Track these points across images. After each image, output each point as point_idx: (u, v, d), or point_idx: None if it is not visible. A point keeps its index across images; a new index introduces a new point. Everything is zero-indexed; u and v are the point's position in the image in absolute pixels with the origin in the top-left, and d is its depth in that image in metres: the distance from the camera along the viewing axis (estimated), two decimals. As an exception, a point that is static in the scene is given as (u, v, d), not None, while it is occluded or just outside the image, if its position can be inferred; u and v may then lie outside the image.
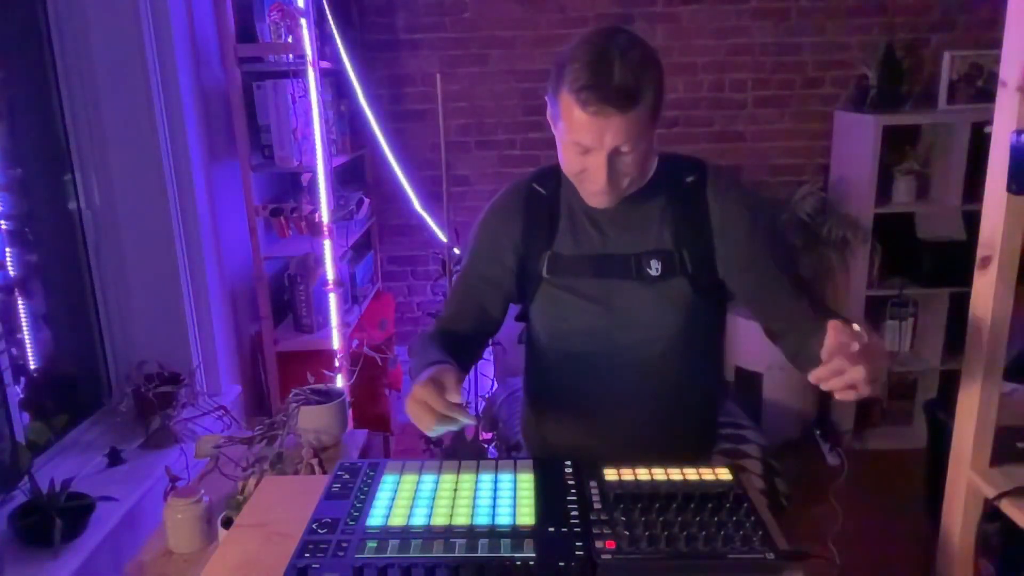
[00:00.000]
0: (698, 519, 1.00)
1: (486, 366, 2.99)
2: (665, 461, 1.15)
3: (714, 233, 1.24)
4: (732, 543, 0.96)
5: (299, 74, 2.39)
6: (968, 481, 1.30)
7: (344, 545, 0.98)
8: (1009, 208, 1.17)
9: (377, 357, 2.49)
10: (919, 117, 3.03)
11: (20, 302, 1.89)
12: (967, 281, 1.27)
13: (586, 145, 1.13)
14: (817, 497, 2.85)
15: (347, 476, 1.15)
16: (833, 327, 0.97)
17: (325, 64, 2.55)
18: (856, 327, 0.99)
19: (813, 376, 0.99)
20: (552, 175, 1.32)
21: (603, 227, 1.27)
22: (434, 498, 1.08)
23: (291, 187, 2.80)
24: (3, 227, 1.84)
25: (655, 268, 1.25)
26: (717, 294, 1.30)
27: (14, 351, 1.83)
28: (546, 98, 1.19)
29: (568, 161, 1.18)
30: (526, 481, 1.11)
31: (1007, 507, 1.23)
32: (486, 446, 2.44)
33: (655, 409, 1.33)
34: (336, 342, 2.50)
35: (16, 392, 1.79)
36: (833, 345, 0.96)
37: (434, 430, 1.06)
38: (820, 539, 1.07)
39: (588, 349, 1.31)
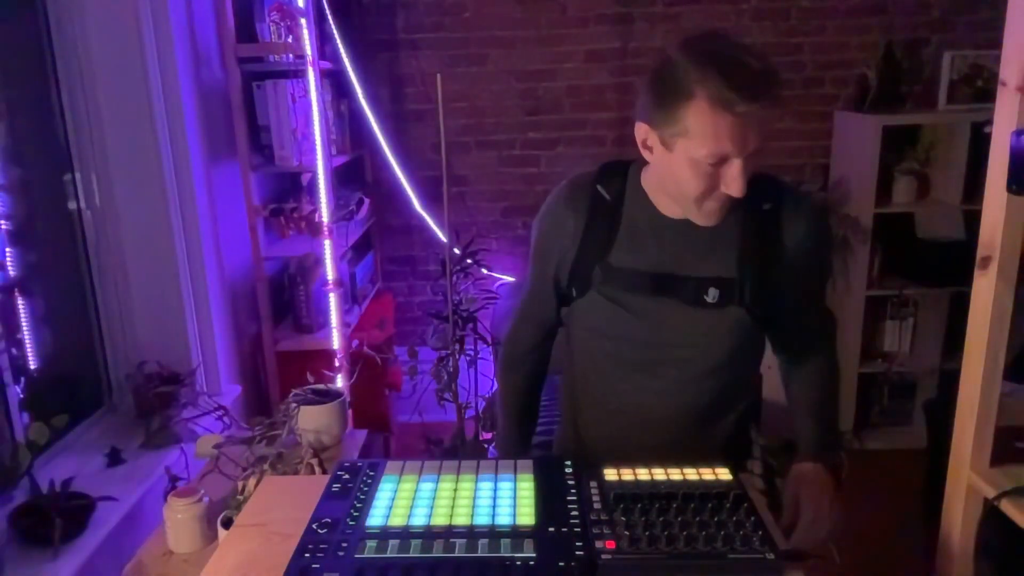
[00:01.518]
0: (698, 519, 1.00)
1: (486, 366, 2.99)
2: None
3: (781, 263, 1.22)
4: (732, 543, 0.96)
5: (299, 74, 2.39)
6: (968, 481, 1.30)
7: (344, 545, 0.98)
8: (1009, 208, 1.17)
9: (377, 357, 2.49)
10: (919, 117, 3.03)
11: (20, 302, 1.89)
12: (967, 281, 1.27)
13: (726, 154, 1.07)
14: (817, 497, 2.85)
15: (347, 476, 1.15)
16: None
17: (325, 64, 2.55)
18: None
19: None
20: (618, 178, 1.27)
21: (666, 244, 1.23)
22: (434, 498, 1.08)
23: (291, 187, 2.80)
24: (3, 227, 1.84)
25: (713, 296, 1.21)
26: (769, 320, 1.28)
27: (14, 351, 1.83)
28: (639, 125, 1.15)
29: (693, 182, 1.11)
30: (526, 481, 1.11)
31: (1007, 507, 1.23)
32: (486, 446, 2.44)
33: (693, 421, 1.32)
34: (336, 342, 2.50)
35: (16, 392, 1.79)
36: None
37: None
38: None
39: (631, 358, 1.29)
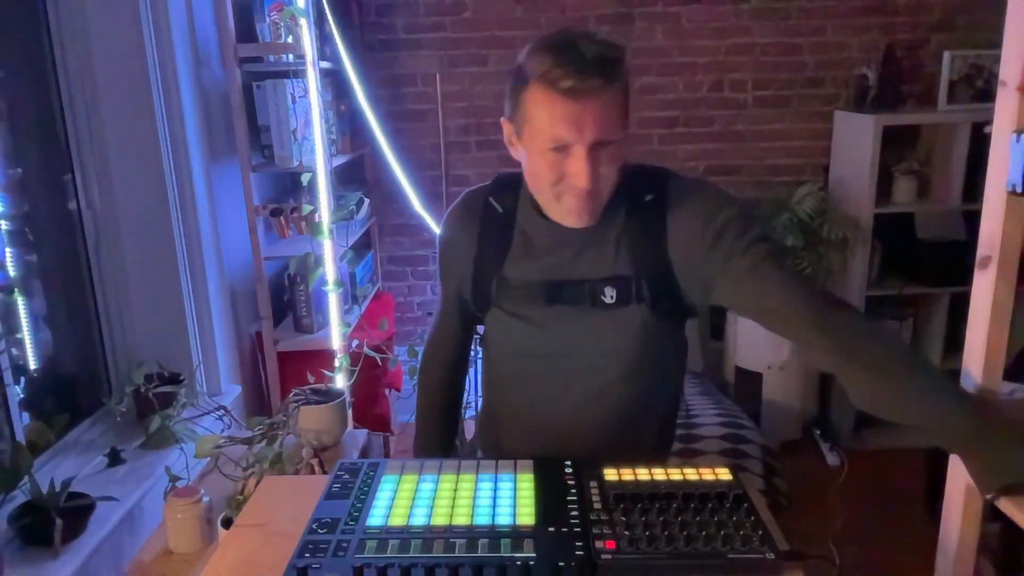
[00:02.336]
0: (698, 519, 1.00)
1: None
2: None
3: (673, 259, 1.16)
4: (732, 543, 0.96)
5: (299, 74, 2.39)
6: (968, 481, 1.30)
7: (344, 545, 0.97)
8: (1009, 208, 1.17)
9: (377, 357, 2.48)
10: (919, 117, 3.03)
11: (20, 302, 1.89)
12: (967, 281, 1.27)
13: (564, 139, 1.05)
14: (817, 497, 2.86)
15: (347, 476, 1.15)
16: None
17: (325, 64, 2.55)
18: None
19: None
20: (510, 190, 1.25)
21: (558, 250, 1.20)
22: (434, 498, 1.08)
23: (291, 187, 2.80)
24: (3, 227, 1.84)
25: (610, 296, 1.18)
26: (679, 316, 1.24)
27: (14, 351, 1.83)
28: (502, 121, 1.16)
29: (542, 173, 1.10)
30: (526, 481, 1.11)
31: (1007, 507, 1.23)
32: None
33: (613, 429, 1.26)
34: (336, 342, 2.50)
35: (16, 392, 1.79)
36: None
37: None
38: (820, 539, 1.07)
39: (538, 370, 1.25)
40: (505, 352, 1.30)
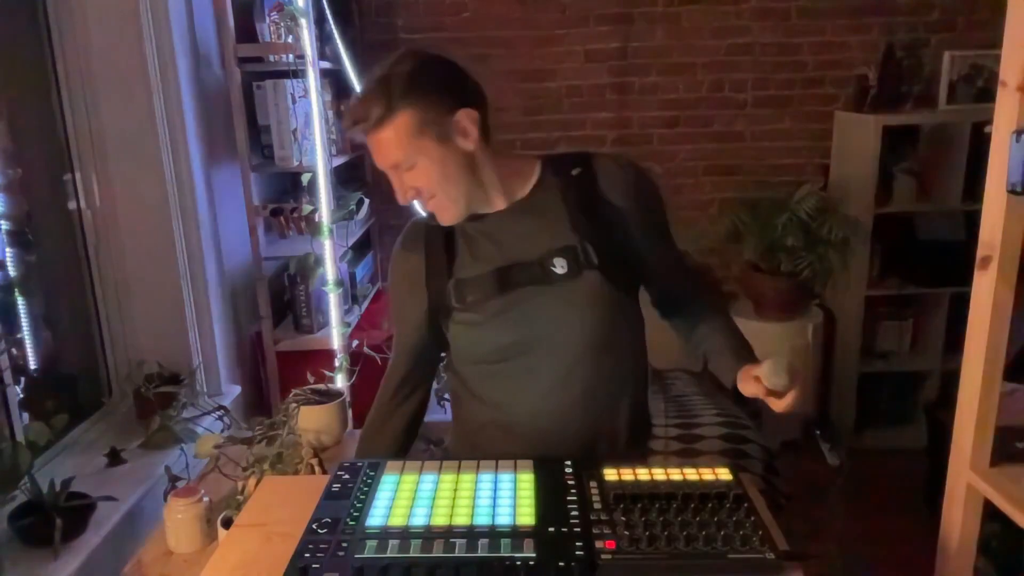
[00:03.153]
0: (698, 519, 1.01)
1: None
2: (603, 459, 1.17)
3: (613, 220, 1.24)
4: (732, 543, 0.96)
5: (299, 74, 2.39)
6: (968, 481, 1.30)
7: (344, 545, 0.98)
8: (1009, 208, 1.17)
9: (377, 357, 2.48)
10: (919, 117, 3.03)
11: (20, 302, 1.89)
12: (967, 281, 1.27)
13: (380, 166, 1.21)
14: (817, 497, 2.86)
15: (347, 476, 1.15)
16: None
17: (325, 64, 2.55)
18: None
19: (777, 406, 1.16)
20: None
21: (500, 239, 1.26)
22: (434, 498, 1.08)
23: (291, 187, 2.80)
24: (3, 227, 1.84)
25: (560, 266, 1.22)
26: (631, 282, 1.30)
27: (14, 351, 1.83)
28: None
29: (397, 195, 1.25)
30: (526, 481, 1.11)
31: (1007, 507, 1.23)
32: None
33: (581, 413, 1.27)
34: (336, 342, 2.50)
35: (16, 392, 1.79)
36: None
37: None
38: (820, 539, 1.07)
39: (504, 368, 1.28)
40: (469, 359, 1.32)
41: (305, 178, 2.35)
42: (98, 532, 1.65)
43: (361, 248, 3.12)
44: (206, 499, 1.50)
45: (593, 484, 1.10)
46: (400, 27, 3.17)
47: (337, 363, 2.45)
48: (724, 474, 1.12)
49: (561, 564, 0.92)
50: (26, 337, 1.91)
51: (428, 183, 1.20)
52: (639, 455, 1.42)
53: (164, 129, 2.10)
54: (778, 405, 1.16)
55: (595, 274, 1.22)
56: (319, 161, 2.40)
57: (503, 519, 1.02)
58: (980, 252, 1.23)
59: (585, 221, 1.23)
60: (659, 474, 1.12)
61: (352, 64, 2.73)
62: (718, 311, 1.39)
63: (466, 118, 1.19)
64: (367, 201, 3.01)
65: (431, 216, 1.30)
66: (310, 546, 0.98)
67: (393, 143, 1.17)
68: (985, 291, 1.23)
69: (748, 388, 1.19)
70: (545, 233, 1.24)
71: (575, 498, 1.06)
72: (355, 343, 2.54)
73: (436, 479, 1.13)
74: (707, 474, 1.12)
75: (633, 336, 1.33)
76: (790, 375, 1.12)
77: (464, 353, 1.32)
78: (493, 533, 0.99)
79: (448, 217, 1.25)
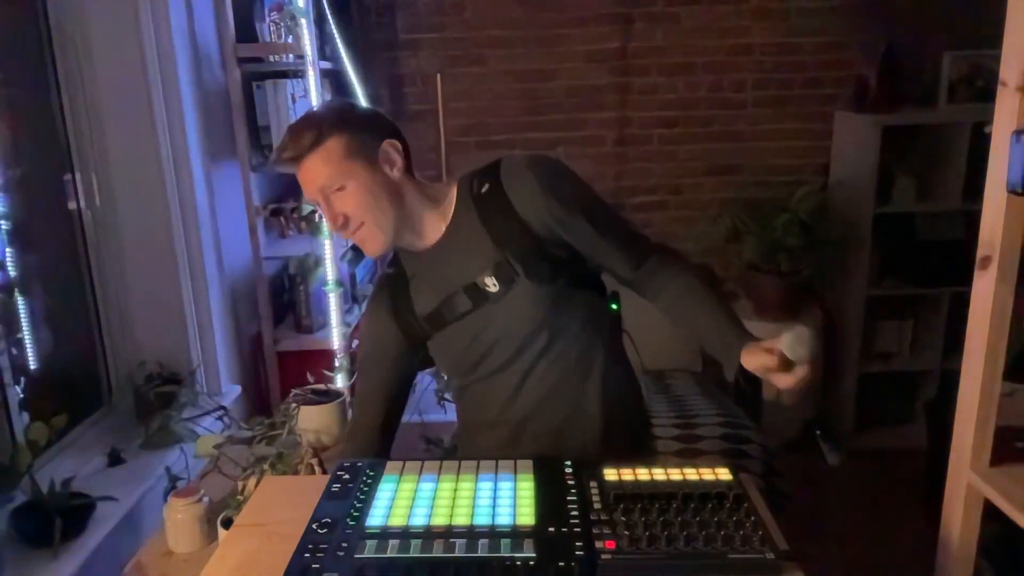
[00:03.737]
0: (698, 519, 1.01)
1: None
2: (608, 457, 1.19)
3: (528, 221, 1.27)
4: (732, 543, 0.96)
5: (299, 74, 2.39)
6: (968, 481, 1.30)
7: (344, 545, 0.98)
8: (1009, 208, 1.17)
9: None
10: (919, 117, 3.03)
11: (20, 302, 1.89)
12: (967, 281, 1.27)
13: (309, 196, 1.26)
14: (817, 497, 2.86)
15: (347, 476, 1.15)
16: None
17: (325, 64, 2.55)
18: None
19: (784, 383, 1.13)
20: (394, 253, 1.40)
21: (436, 272, 1.33)
22: (434, 498, 1.08)
23: (291, 187, 2.80)
24: (3, 227, 1.84)
25: (492, 284, 1.28)
26: (569, 271, 1.31)
27: (14, 351, 1.83)
28: None
29: (327, 224, 1.33)
30: (526, 481, 1.12)
31: (1007, 507, 1.23)
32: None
33: (555, 400, 1.34)
34: (336, 342, 2.50)
35: (16, 392, 1.79)
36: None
37: None
38: (820, 539, 1.07)
39: (478, 374, 1.37)
40: (452, 372, 1.45)
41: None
42: (98, 532, 1.65)
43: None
44: (206, 499, 1.50)
45: (593, 484, 1.10)
46: (400, 27, 3.17)
47: (337, 363, 2.45)
48: (724, 474, 1.12)
49: (561, 564, 0.93)
50: (26, 337, 1.91)
51: (356, 207, 1.25)
52: (639, 443, 1.47)
53: (164, 129, 2.10)
54: (784, 380, 1.13)
55: (524, 282, 1.28)
56: (319, 161, 2.39)
57: (503, 519, 1.02)
58: (980, 252, 1.23)
59: (505, 235, 1.28)
60: (659, 474, 1.12)
61: (352, 64, 2.73)
62: (684, 274, 1.33)
63: (391, 147, 1.28)
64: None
65: (390, 263, 1.40)
66: (310, 546, 0.98)
67: (321, 167, 1.22)
68: (985, 291, 1.23)
69: (756, 360, 1.15)
70: (473, 256, 1.29)
71: (575, 498, 1.07)
72: (355, 343, 2.54)
73: (436, 479, 1.13)
74: (707, 474, 1.12)
75: (585, 315, 1.35)
76: (811, 345, 1.10)
77: (442, 369, 1.45)
78: (493, 533, 0.99)
79: (374, 247, 1.29)
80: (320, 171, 1.23)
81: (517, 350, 1.32)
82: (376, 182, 1.26)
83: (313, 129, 1.23)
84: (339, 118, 1.26)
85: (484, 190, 1.30)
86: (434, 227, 1.32)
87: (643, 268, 1.33)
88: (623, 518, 1.01)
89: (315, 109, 1.31)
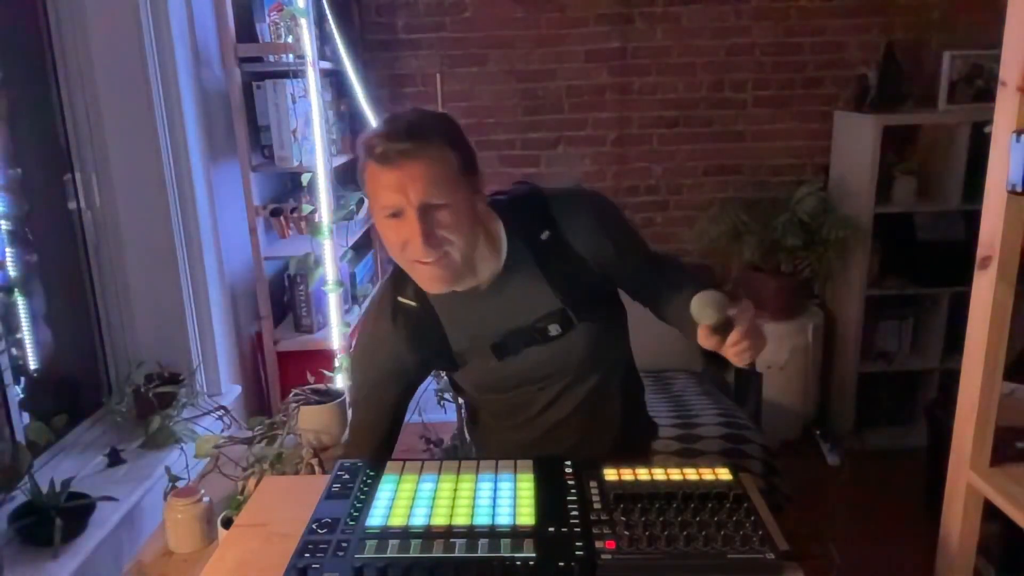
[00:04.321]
0: (698, 519, 1.01)
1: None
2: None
3: (589, 269, 1.26)
4: (732, 543, 0.96)
5: (299, 74, 2.39)
6: (968, 481, 1.30)
7: (344, 545, 0.98)
8: (1009, 208, 1.17)
9: (377, 357, 2.48)
10: (919, 117, 3.03)
11: (20, 302, 1.89)
12: (967, 281, 1.27)
13: (394, 204, 1.11)
14: (817, 497, 2.86)
15: (347, 476, 1.15)
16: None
17: (325, 64, 2.55)
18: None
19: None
20: (412, 283, 1.26)
21: (491, 309, 1.27)
22: (434, 498, 1.08)
23: (291, 187, 2.80)
24: (3, 227, 1.84)
25: (555, 330, 1.27)
26: (611, 302, 1.35)
27: (14, 351, 1.83)
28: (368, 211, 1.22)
29: (389, 241, 1.16)
30: (526, 481, 1.12)
31: (1007, 507, 1.23)
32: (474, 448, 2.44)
33: (580, 423, 1.36)
34: (336, 342, 2.50)
35: (16, 392, 1.79)
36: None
37: None
38: (820, 539, 1.07)
39: (512, 401, 1.36)
40: (475, 392, 1.41)
41: (305, 178, 2.35)
42: (98, 532, 1.64)
43: (361, 248, 3.12)
44: (206, 499, 1.49)
45: (593, 484, 1.10)
46: (400, 27, 3.17)
47: (337, 363, 2.45)
48: (724, 474, 1.12)
49: (561, 564, 0.93)
50: (26, 337, 1.91)
51: (452, 229, 1.13)
52: (643, 455, 1.47)
53: (164, 129, 2.10)
54: (730, 352, 1.12)
55: (585, 325, 1.28)
56: (319, 161, 2.40)
57: (503, 519, 1.02)
58: (980, 252, 1.23)
59: (564, 281, 1.25)
60: (659, 474, 1.12)
61: (352, 64, 2.73)
62: (689, 283, 1.32)
63: (481, 182, 1.20)
64: (367, 201, 3.01)
65: (404, 292, 1.28)
66: (310, 546, 0.98)
67: (437, 173, 1.11)
68: (985, 291, 1.23)
69: (704, 341, 1.14)
70: (531, 301, 1.26)
71: (575, 498, 1.07)
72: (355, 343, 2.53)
73: (436, 479, 1.13)
74: (707, 474, 1.12)
75: (622, 338, 1.41)
76: (718, 307, 1.10)
77: (470, 391, 1.41)
78: (493, 533, 0.99)
79: (443, 279, 1.18)
80: (431, 178, 1.10)
81: (562, 377, 1.32)
82: (473, 210, 1.18)
83: (437, 132, 1.13)
84: (458, 132, 1.18)
85: (544, 237, 1.25)
86: (487, 266, 1.25)
87: (661, 291, 1.34)
88: (623, 518, 1.01)
89: (427, 112, 1.19)
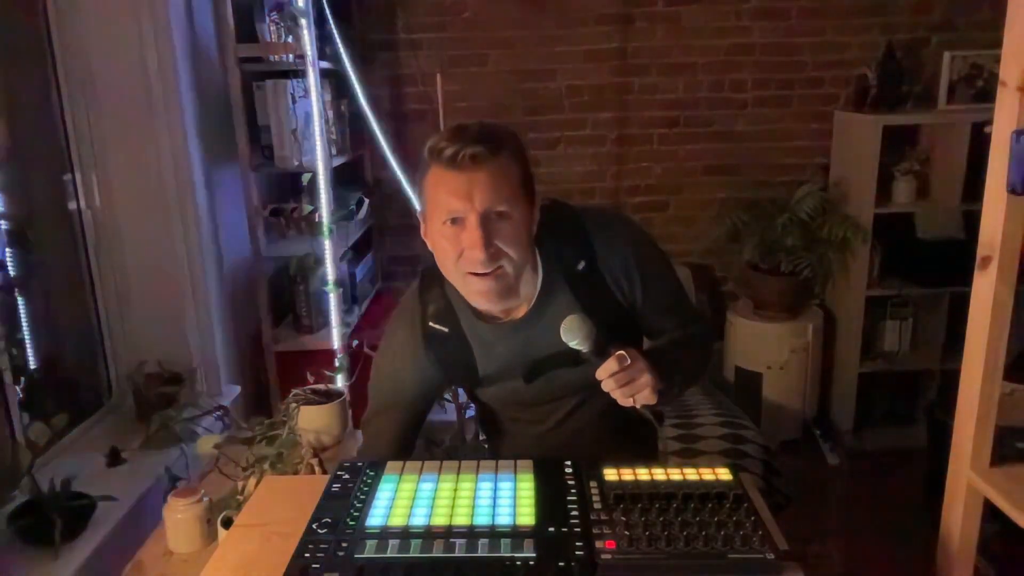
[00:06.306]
0: (698, 519, 1.01)
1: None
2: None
3: (625, 300, 1.27)
4: (732, 543, 0.96)
5: (299, 74, 2.39)
6: (968, 481, 1.30)
7: (344, 545, 0.98)
8: (1009, 208, 1.17)
9: (377, 357, 2.48)
10: (919, 117, 3.03)
11: (20, 302, 1.89)
12: (967, 281, 1.27)
13: (456, 209, 1.10)
14: (817, 497, 2.86)
15: (347, 476, 1.15)
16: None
17: (325, 64, 2.55)
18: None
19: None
20: (444, 308, 1.28)
21: (525, 341, 1.27)
22: (434, 498, 1.08)
23: (291, 187, 2.80)
24: (3, 227, 1.84)
25: (591, 358, 1.25)
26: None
27: (14, 351, 1.83)
28: (419, 215, 1.22)
29: (444, 249, 1.15)
30: (526, 481, 1.12)
31: (1007, 507, 1.23)
32: (486, 446, 2.44)
33: (603, 435, 1.38)
34: (336, 342, 2.50)
35: (16, 392, 1.79)
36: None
37: None
38: (820, 539, 1.07)
39: (534, 412, 1.38)
40: (496, 408, 1.42)
41: (305, 178, 2.35)
42: (98, 532, 1.64)
43: (361, 248, 3.12)
44: (206, 499, 1.49)
45: (593, 484, 1.10)
46: (400, 27, 3.17)
47: (337, 363, 2.45)
48: (724, 474, 1.12)
49: (561, 564, 0.93)
50: (26, 337, 1.91)
51: (510, 241, 1.13)
52: (646, 457, 1.48)
53: (164, 129, 2.10)
54: (608, 385, 1.13)
55: (614, 347, 1.26)
56: (319, 161, 2.40)
57: (503, 519, 1.02)
58: (980, 252, 1.23)
59: (598, 311, 1.22)
60: (659, 474, 1.12)
61: (352, 64, 2.73)
62: (690, 326, 1.37)
63: (537, 202, 1.20)
64: (367, 201, 3.01)
65: (436, 318, 1.28)
66: (310, 546, 0.98)
67: (502, 182, 1.11)
68: (985, 291, 1.23)
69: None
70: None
71: (575, 498, 1.07)
72: (355, 343, 2.54)
73: (436, 479, 1.13)
74: (707, 474, 1.12)
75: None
76: (574, 334, 1.11)
77: (491, 407, 1.43)
78: (493, 533, 0.99)
79: (496, 292, 1.17)
80: (498, 185, 1.11)
81: (587, 391, 1.31)
82: (530, 227, 1.18)
83: (506, 142, 1.13)
84: (523, 147, 1.18)
85: (580, 268, 1.24)
86: (527, 289, 1.24)
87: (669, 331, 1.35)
88: (623, 518, 1.01)
89: (496, 123, 1.18)
